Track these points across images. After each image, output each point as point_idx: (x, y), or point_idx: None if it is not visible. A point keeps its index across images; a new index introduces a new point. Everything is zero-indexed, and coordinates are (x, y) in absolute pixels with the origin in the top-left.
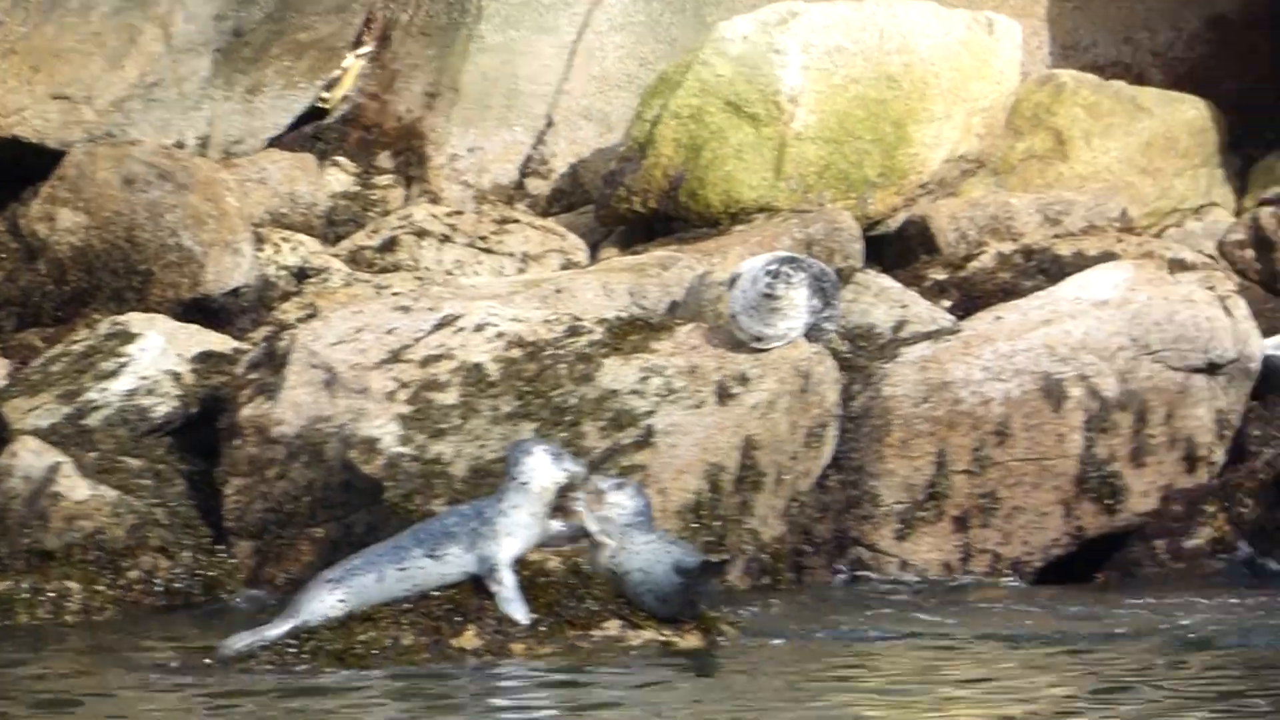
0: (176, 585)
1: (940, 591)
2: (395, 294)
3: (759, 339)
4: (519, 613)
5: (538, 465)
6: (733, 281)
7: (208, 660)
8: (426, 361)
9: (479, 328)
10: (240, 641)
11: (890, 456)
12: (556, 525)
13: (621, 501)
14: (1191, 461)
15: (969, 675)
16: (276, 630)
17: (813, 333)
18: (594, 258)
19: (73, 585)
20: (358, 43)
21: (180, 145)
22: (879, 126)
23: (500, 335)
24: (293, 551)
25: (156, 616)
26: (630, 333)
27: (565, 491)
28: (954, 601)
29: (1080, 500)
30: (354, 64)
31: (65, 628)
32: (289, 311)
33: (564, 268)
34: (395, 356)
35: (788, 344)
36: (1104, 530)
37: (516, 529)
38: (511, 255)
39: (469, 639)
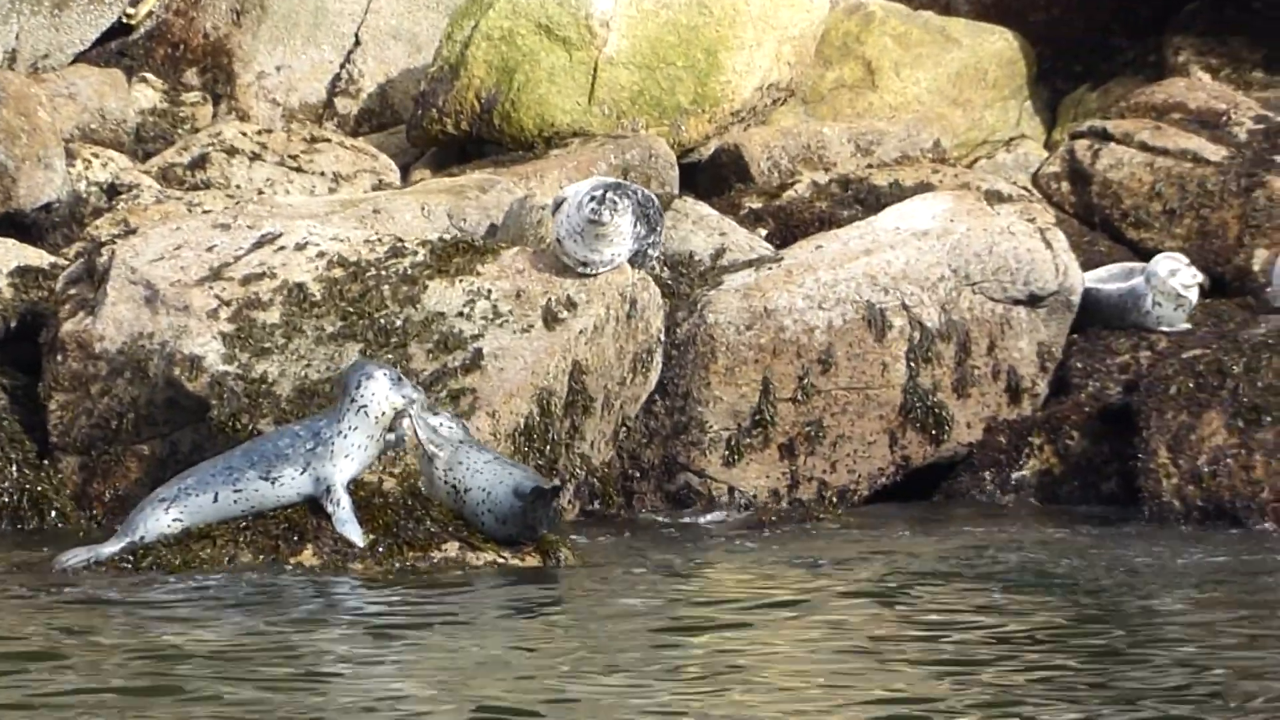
0: (3, 500)
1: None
2: (209, 211)
3: (584, 264)
4: (354, 534)
5: (378, 389)
6: (557, 206)
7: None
8: (248, 280)
9: (300, 246)
10: (75, 558)
11: (716, 383)
12: (388, 437)
13: (445, 422)
14: (1015, 393)
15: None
16: (111, 548)
17: (637, 258)
18: (405, 179)
19: None
20: None
21: None
22: (691, 53)
23: (321, 255)
24: (119, 468)
25: None
26: (454, 255)
27: (399, 416)
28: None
29: (905, 430)
30: None
31: None
32: (101, 228)
33: (376, 188)
34: (216, 274)
35: (613, 269)
36: (929, 460)
37: (354, 450)
38: (322, 174)
39: (307, 557)
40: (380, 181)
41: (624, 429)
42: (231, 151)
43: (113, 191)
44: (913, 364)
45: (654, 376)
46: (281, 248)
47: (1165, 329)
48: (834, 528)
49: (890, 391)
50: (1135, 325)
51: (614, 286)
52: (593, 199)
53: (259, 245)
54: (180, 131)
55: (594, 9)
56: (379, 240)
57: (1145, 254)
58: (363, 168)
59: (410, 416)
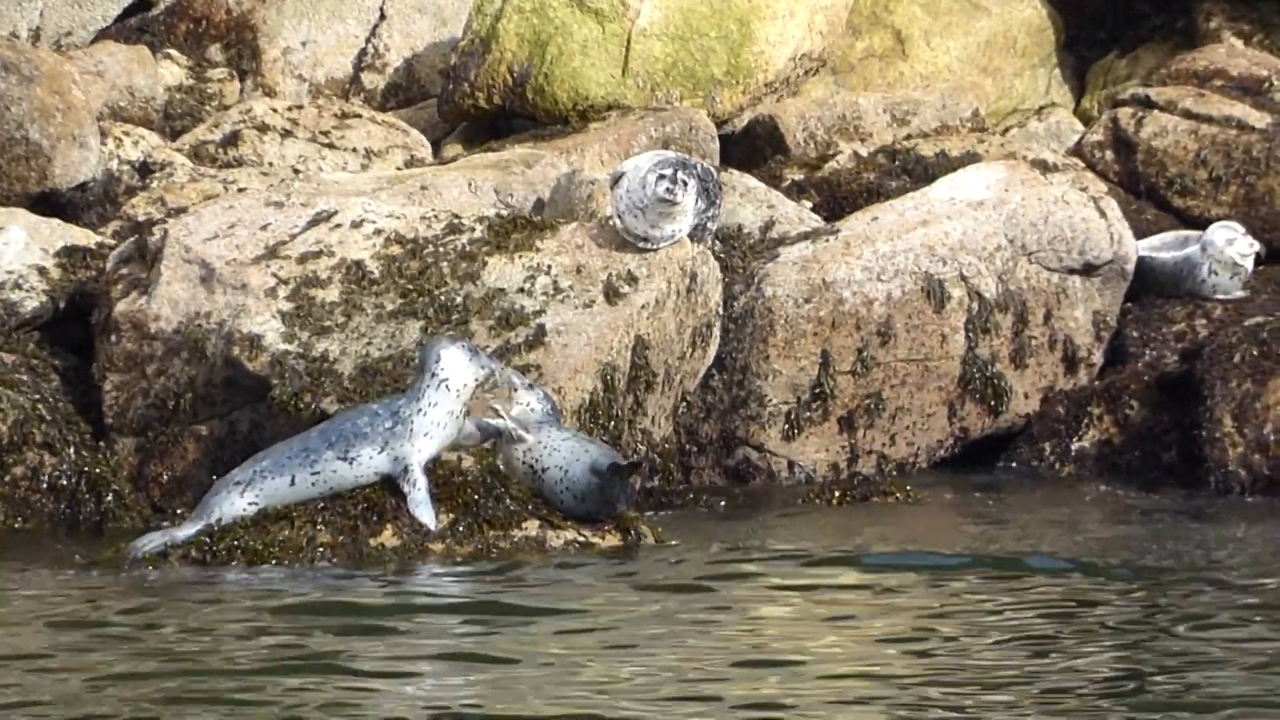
0: (62, 482)
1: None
2: (247, 190)
3: (645, 239)
4: (427, 516)
5: (455, 362)
6: (615, 180)
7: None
8: (305, 258)
9: (356, 224)
10: (150, 543)
11: (775, 357)
12: (469, 425)
13: (532, 403)
14: (1071, 363)
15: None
16: (186, 531)
17: (696, 232)
18: (436, 154)
19: None
20: None
21: (14, 36)
22: (724, 24)
23: (379, 232)
24: (177, 449)
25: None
26: (512, 231)
27: (479, 389)
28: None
29: (964, 401)
30: None
31: None
32: (138, 206)
33: (407, 164)
34: (272, 253)
35: (673, 243)
36: (988, 431)
37: (434, 428)
38: (354, 150)
39: (387, 537)
40: (412, 157)
41: (683, 404)
42: (263, 128)
43: (145, 170)
44: (971, 335)
45: (712, 351)
46: (337, 225)
47: (1221, 297)
48: (899, 503)
49: (949, 363)
50: (1190, 294)
51: (674, 261)
52: (663, 177)
53: (314, 223)
54: (208, 109)
55: None
56: (435, 217)
57: (1191, 222)
58: (394, 143)
59: (498, 407)
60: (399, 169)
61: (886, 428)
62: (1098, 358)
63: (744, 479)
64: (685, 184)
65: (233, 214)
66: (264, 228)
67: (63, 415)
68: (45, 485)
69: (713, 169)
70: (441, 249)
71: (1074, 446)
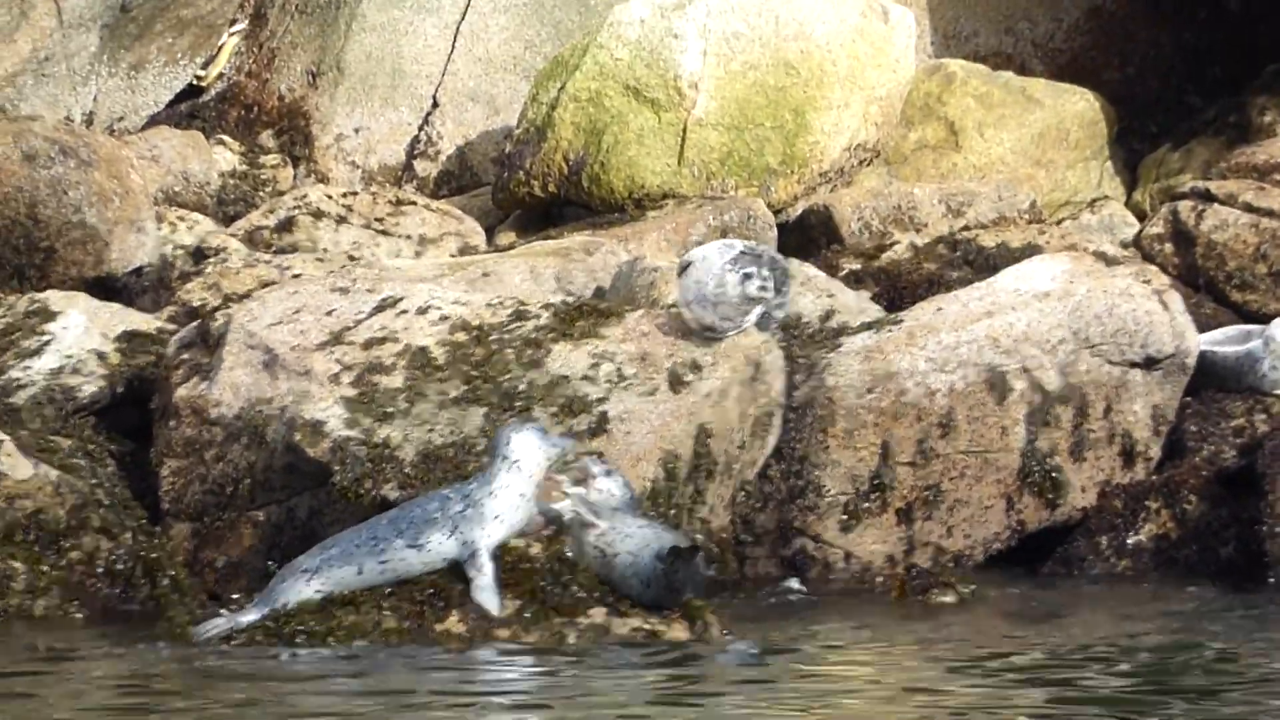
0: (118, 567)
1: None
2: (327, 275)
3: (711, 329)
4: (493, 603)
5: (527, 444)
6: (683, 269)
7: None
8: (369, 344)
9: (421, 310)
10: (215, 628)
11: (835, 447)
12: (539, 509)
13: (612, 489)
14: (1129, 457)
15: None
16: (251, 616)
17: (762, 321)
18: (490, 241)
19: (17, 565)
20: (232, 20)
21: (69, 120)
22: (779, 113)
23: (444, 318)
24: (233, 535)
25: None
26: (578, 318)
27: (553, 469)
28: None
29: (1022, 494)
30: (229, 41)
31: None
32: (193, 292)
33: (461, 251)
34: (336, 338)
35: (739, 332)
36: (1044, 524)
37: (505, 511)
38: (409, 237)
39: (453, 624)
40: (466, 244)
41: (742, 493)
42: (317, 214)
43: (199, 255)
44: (1032, 428)
45: (772, 440)
46: (403, 311)
47: None
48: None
49: (1008, 455)
50: (1251, 388)
51: (740, 349)
52: (749, 277)
53: (380, 309)
54: (261, 194)
55: (682, 70)
56: (501, 304)
57: (1250, 317)
58: (448, 230)
59: (569, 489)
60: (453, 255)
61: (944, 520)
62: (1156, 452)
63: (800, 570)
64: (771, 279)
65: (297, 299)
66: (329, 313)
67: (119, 500)
68: (101, 570)
69: (779, 257)
70: (507, 335)
71: (1130, 540)
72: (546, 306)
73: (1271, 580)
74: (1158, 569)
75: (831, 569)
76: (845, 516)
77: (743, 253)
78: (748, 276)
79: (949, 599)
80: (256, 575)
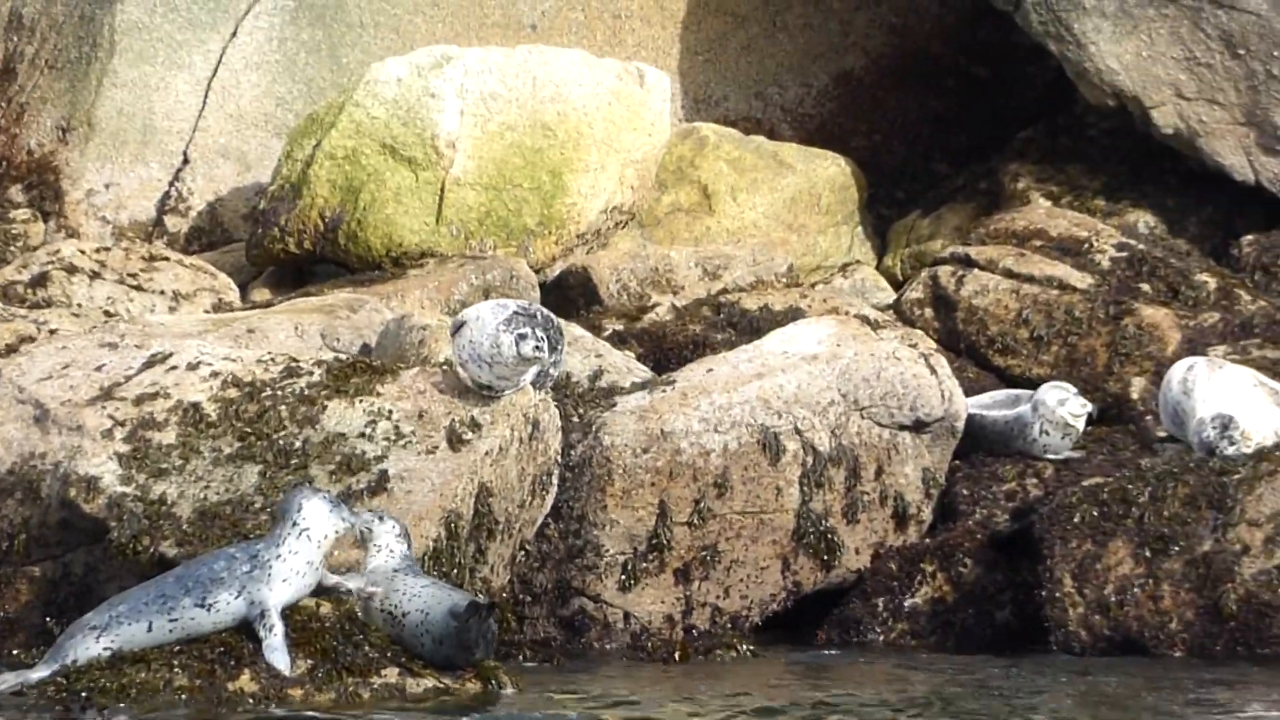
0: None
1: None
2: (95, 330)
3: (489, 389)
4: (283, 662)
5: (317, 513)
6: (456, 329)
7: None
8: (141, 400)
9: (192, 366)
10: (3, 683)
11: (613, 507)
12: (329, 578)
13: (390, 543)
14: (902, 519)
15: None
16: (40, 673)
17: (538, 379)
18: (244, 298)
19: None
20: None
21: None
22: (536, 175)
23: (215, 374)
24: (9, 590)
25: None
26: (352, 375)
27: (338, 541)
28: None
29: (798, 555)
30: None
31: None
32: None
33: (215, 307)
34: (107, 394)
35: (516, 391)
36: (820, 586)
37: (292, 575)
38: (162, 293)
39: (245, 682)
40: (220, 300)
41: (522, 552)
42: (71, 269)
43: None
44: (806, 489)
45: (550, 499)
46: (173, 367)
47: (1051, 457)
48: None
49: (784, 516)
50: (1021, 452)
51: (518, 408)
52: (524, 337)
53: (149, 364)
54: (12, 249)
55: (440, 129)
56: (272, 360)
57: (1012, 380)
58: (202, 286)
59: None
60: (206, 311)
61: (721, 580)
62: (928, 514)
63: (579, 630)
64: (545, 339)
65: (66, 354)
66: (98, 369)
67: None
68: None
69: (552, 316)
70: (280, 392)
71: (907, 603)
72: (319, 363)
73: (1052, 642)
74: (934, 633)
75: (611, 629)
76: (624, 576)
77: (516, 313)
78: (523, 337)
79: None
80: (34, 631)
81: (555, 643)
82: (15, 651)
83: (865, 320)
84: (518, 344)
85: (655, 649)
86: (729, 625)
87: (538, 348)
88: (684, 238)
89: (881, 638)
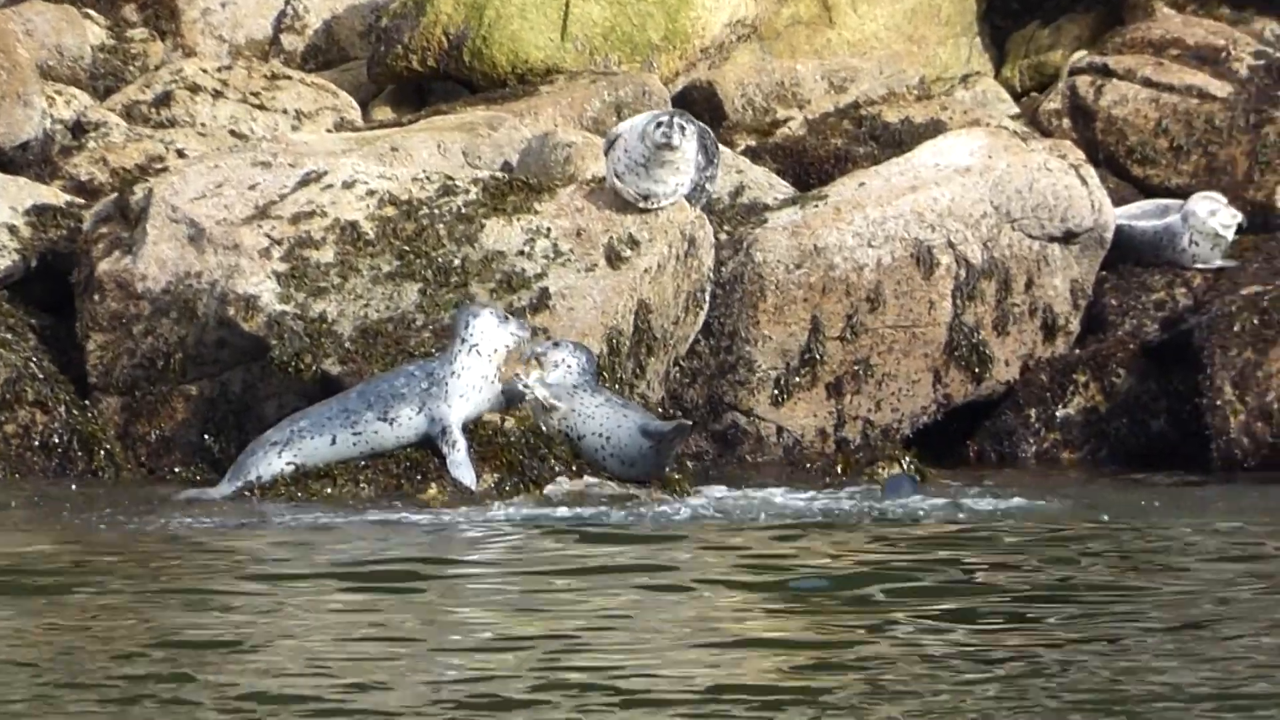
0: (54, 440)
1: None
2: (244, 148)
3: (646, 197)
4: (467, 477)
5: (486, 328)
6: (611, 144)
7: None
8: (297, 219)
9: (347, 184)
10: (189, 498)
11: (765, 322)
12: (503, 388)
13: (567, 359)
14: (1050, 331)
15: None
16: (224, 490)
17: (694, 194)
18: (365, 116)
19: None
20: None
21: None
22: None
23: (371, 193)
24: (165, 409)
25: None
26: (509, 193)
27: (511, 354)
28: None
29: (949, 368)
30: None
31: None
32: (79, 166)
33: (338, 126)
34: (263, 213)
35: (673, 204)
36: (970, 398)
37: (469, 390)
38: (285, 112)
39: (432, 494)
40: (342, 119)
41: (676, 368)
42: (194, 89)
43: (79, 130)
44: (958, 302)
45: (703, 316)
46: (328, 186)
47: (1200, 266)
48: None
49: (936, 329)
50: (1170, 263)
51: (675, 224)
52: (660, 124)
53: (304, 183)
54: (132, 69)
55: None
56: (428, 178)
57: (1152, 191)
58: (324, 105)
59: (522, 381)
60: (328, 130)
61: (873, 393)
62: (1075, 326)
63: (731, 444)
64: (684, 129)
65: (219, 174)
66: (252, 188)
67: (46, 374)
68: (38, 443)
69: (708, 129)
70: (437, 210)
71: (1059, 414)
72: (475, 181)
73: (1213, 451)
74: (1087, 443)
75: (764, 442)
76: (776, 391)
77: (667, 111)
78: (659, 124)
79: (895, 471)
80: (190, 449)
81: (708, 456)
82: (177, 469)
83: (1014, 132)
84: (654, 131)
85: (810, 460)
86: (880, 438)
87: (667, 133)
88: (804, 50)
89: (1034, 448)
